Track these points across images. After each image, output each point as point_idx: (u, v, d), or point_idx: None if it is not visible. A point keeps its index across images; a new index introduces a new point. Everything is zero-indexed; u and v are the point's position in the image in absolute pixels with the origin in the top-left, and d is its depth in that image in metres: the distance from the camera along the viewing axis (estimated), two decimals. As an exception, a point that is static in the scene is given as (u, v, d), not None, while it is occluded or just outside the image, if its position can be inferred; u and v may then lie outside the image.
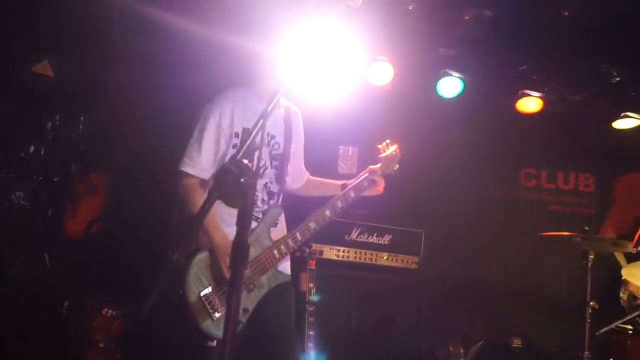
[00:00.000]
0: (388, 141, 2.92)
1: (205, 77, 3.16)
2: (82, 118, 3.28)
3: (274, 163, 2.59)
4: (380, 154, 2.88)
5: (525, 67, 4.28)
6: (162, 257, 3.32)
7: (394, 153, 2.88)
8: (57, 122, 3.17)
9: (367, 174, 2.80)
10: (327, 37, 2.83)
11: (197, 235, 2.40)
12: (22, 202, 3.05)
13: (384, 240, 4.08)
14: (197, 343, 2.29)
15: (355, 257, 4.00)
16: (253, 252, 2.41)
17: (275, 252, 2.48)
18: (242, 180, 1.49)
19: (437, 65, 4.23)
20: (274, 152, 2.58)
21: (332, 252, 3.95)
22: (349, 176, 3.06)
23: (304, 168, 2.86)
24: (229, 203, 1.52)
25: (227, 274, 2.27)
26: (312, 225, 2.56)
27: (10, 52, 2.59)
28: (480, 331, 4.49)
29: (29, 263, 3.21)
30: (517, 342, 4.28)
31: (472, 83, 4.29)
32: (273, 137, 2.59)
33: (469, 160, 4.75)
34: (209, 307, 2.29)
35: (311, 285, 3.49)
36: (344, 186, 2.83)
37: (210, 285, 2.32)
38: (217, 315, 2.29)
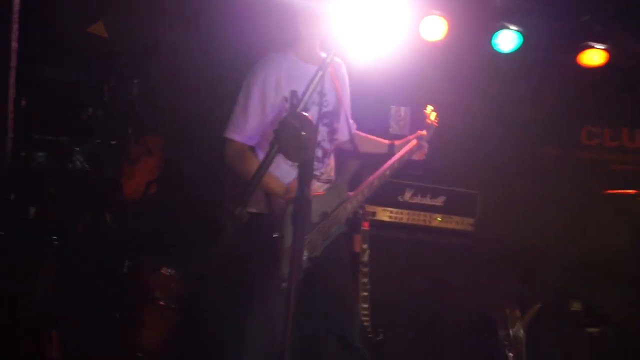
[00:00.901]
0: (432, 107, 3.04)
1: (258, 38, 3.13)
2: (136, 81, 3.32)
3: (325, 121, 2.58)
4: (426, 119, 2.99)
5: (588, 17, 4.05)
6: (223, 215, 3.38)
7: (434, 121, 3.00)
8: (113, 85, 3.23)
9: (416, 139, 2.87)
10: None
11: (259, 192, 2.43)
12: (84, 165, 3.15)
13: (438, 202, 4.01)
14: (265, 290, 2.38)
15: (408, 219, 3.95)
16: (335, 203, 2.53)
17: (348, 205, 2.57)
18: (302, 133, 1.47)
19: (493, 18, 4.05)
20: (323, 109, 2.55)
21: (385, 214, 3.91)
22: (401, 137, 3.07)
23: (350, 120, 2.85)
24: (290, 157, 1.52)
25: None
26: (375, 182, 2.65)
27: (66, 15, 2.64)
28: (537, 294, 4.39)
29: (93, 222, 3.32)
30: (576, 306, 4.16)
31: (531, 36, 4.09)
32: (323, 95, 2.57)
33: (527, 118, 4.57)
34: None
35: (365, 246, 3.49)
36: (391, 145, 2.89)
37: None
38: (302, 261, 2.36)
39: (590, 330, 4.08)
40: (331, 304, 2.56)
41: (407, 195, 3.95)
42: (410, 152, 2.82)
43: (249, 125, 2.46)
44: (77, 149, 3.10)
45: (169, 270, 3.41)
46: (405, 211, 3.95)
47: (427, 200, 3.99)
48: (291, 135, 1.47)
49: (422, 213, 3.97)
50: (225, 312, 3.35)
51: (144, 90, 3.43)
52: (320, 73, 1.68)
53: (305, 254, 2.40)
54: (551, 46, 4.27)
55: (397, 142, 2.90)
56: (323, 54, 2.58)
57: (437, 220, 4.00)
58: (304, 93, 1.62)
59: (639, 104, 4.59)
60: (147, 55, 2.89)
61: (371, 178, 2.66)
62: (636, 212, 4.19)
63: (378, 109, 4.30)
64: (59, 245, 3.05)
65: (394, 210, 3.92)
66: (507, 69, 4.31)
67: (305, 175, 1.57)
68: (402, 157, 2.77)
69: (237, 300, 2.60)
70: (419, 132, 2.90)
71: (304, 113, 1.52)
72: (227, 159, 2.51)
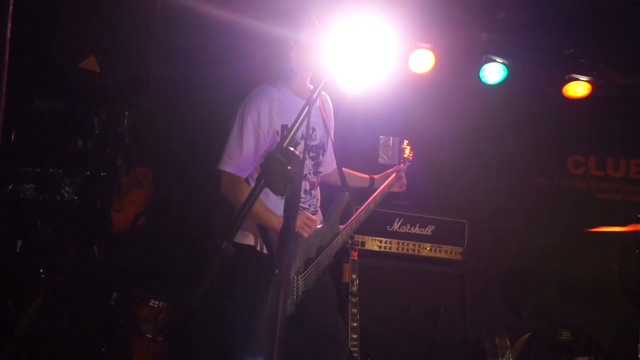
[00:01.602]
0: (407, 142, 3.27)
1: (246, 71, 3.15)
2: (126, 113, 3.34)
3: (311, 154, 2.61)
4: (404, 153, 3.19)
5: (572, 50, 4.14)
6: (209, 247, 3.38)
7: (409, 155, 3.21)
8: (103, 118, 3.24)
9: (395, 173, 3.05)
10: (367, 26, 2.80)
11: (248, 224, 2.45)
12: (72, 197, 3.14)
13: (427, 231, 4.02)
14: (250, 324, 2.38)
15: (397, 248, 3.96)
16: (329, 237, 2.60)
17: (340, 239, 2.65)
18: (289, 167, 1.49)
19: (479, 51, 4.13)
20: (311, 143, 2.59)
21: (374, 243, 3.92)
22: (390, 166, 3.20)
23: (333, 153, 2.89)
24: (276, 191, 1.54)
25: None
26: (362, 215, 2.74)
27: (57, 49, 2.66)
28: (527, 323, 4.40)
29: (80, 255, 3.30)
30: (566, 334, 4.16)
31: (517, 68, 4.17)
32: (314, 129, 2.61)
33: (513, 148, 4.64)
34: (295, 287, 2.41)
35: (354, 276, 3.49)
36: (371, 180, 3.03)
37: (300, 267, 2.46)
38: (299, 296, 2.43)
39: (580, 359, 4.07)
40: (323, 337, 2.56)
41: (396, 225, 3.97)
42: (390, 185, 2.97)
43: (243, 157, 2.44)
44: (66, 180, 3.09)
45: (157, 302, 3.39)
46: (395, 240, 3.96)
47: (416, 230, 4.01)
48: (277, 169, 1.49)
49: (411, 242, 3.99)
50: (213, 342, 3.33)
51: (134, 122, 3.44)
52: (307, 108, 1.71)
53: (303, 288, 2.42)
54: (536, 78, 4.35)
55: (376, 177, 3.03)
56: (311, 86, 2.63)
57: (426, 249, 4.01)
58: (292, 128, 1.65)
59: (622, 134, 4.68)
60: (137, 88, 2.92)
61: (358, 212, 2.74)
62: (624, 242, 4.23)
63: (367, 139, 4.35)
64: (46, 278, 3.02)
65: (383, 239, 3.94)
66: (493, 100, 4.39)
67: (291, 209, 1.59)
68: (383, 191, 2.91)
69: (225, 332, 2.59)
70: (397, 166, 3.10)
71: (290, 148, 1.55)
72: (222, 191, 2.50)
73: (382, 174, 3.04)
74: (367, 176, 3.05)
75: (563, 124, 4.63)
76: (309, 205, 2.61)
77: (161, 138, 3.79)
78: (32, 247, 2.89)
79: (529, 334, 4.15)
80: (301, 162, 1.56)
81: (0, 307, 2.81)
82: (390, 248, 3.95)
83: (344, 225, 2.68)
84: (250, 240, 2.49)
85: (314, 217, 2.52)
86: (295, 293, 2.40)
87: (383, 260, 3.93)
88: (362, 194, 2.94)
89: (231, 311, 2.52)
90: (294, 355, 2.44)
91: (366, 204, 2.80)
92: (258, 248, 2.48)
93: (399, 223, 3.97)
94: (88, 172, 3.22)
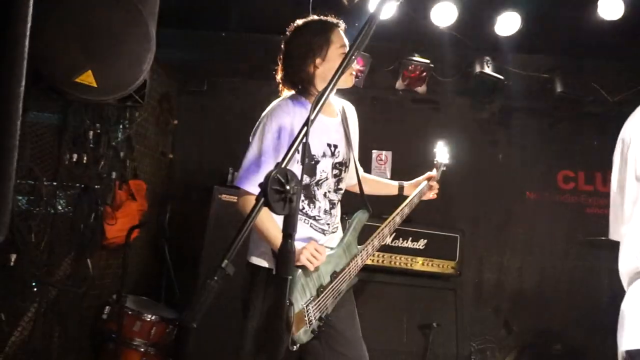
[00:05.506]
0: (442, 143, 2.89)
1: (244, 87, 3.14)
2: (120, 127, 3.35)
3: (334, 172, 2.49)
4: (436, 158, 2.85)
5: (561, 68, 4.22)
6: (203, 263, 3.37)
7: (444, 160, 2.87)
8: (98, 131, 3.24)
9: (426, 180, 2.78)
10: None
11: (265, 246, 2.37)
12: (66, 210, 3.13)
13: (419, 245, 4.04)
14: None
15: (390, 263, 3.97)
16: (345, 260, 2.40)
17: (359, 260, 2.45)
18: (287, 187, 1.50)
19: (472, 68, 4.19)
20: (335, 161, 2.48)
21: (367, 257, 3.92)
22: None
23: (357, 165, 2.68)
24: (275, 211, 1.53)
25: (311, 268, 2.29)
26: (386, 231, 2.53)
27: (54, 63, 2.66)
28: (518, 336, 4.42)
29: (74, 268, 3.29)
30: (556, 348, 4.19)
31: (508, 85, 4.23)
32: (336, 146, 2.48)
33: (505, 163, 4.69)
34: (306, 316, 2.27)
35: (346, 290, 3.48)
36: (400, 187, 2.80)
37: (312, 296, 2.30)
38: (312, 323, 2.28)
39: (571, 372, 4.10)
40: (341, 349, 2.38)
41: (389, 239, 3.97)
42: (420, 194, 2.72)
43: (260, 174, 2.31)
44: (60, 194, 3.08)
45: (149, 316, 3.38)
46: (387, 255, 3.97)
47: (409, 244, 4.02)
48: (275, 189, 1.49)
49: (403, 256, 4.00)
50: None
51: (128, 136, 3.45)
52: (305, 129, 1.70)
53: (317, 315, 2.30)
54: (528, 95, 4.42)
55: (405, 183, 2.80)
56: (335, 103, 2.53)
57: (419, 263, 4.02)
58: (289, 149, 1.65)
59: (611, 150, 4.74)
60: (133, 101, 2.91)
61: (381, 228, 2.51)
62: (612, 256, 4.27)
63: (360, 153, 4.35)
64: (39, 291, 3.00)
65: (376, 253, 3.90)
66: (485, 116, 4.44)
67: (289, 229, 1.59)
68: (412, 202, 2.64)
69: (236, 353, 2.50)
70: (429, 173, 2.80)
71: (289, 168, 1.56)
72: (239, 210, 2.37)
73: (413, 181, 2.80)
74: (396, 183, 2.81)
75: (553, 140, 4.70)
76: (329, 225, 2.48)
77: (155, 152, 3.79)
78: (26, 261, 2.86)
79: (520, 348, 4.17)
80: (300, 182, 1.56)
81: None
82: (383, 262, 3.96)
83: (365, 244, 2.47)
84: (265, 263, 2.39)
85: (322, 247, 2.31)
86: (307, 322, 2.26)
87: (376, 275, 3.93)
88: (388, 202, 2.69)
89: (244, 332, 2.42)
90: None
91: (390, 218, 2.53)
92: (275, 271, 2.33)
93: (392, 237, 3.98)
94: (82, 185, 3.21)
